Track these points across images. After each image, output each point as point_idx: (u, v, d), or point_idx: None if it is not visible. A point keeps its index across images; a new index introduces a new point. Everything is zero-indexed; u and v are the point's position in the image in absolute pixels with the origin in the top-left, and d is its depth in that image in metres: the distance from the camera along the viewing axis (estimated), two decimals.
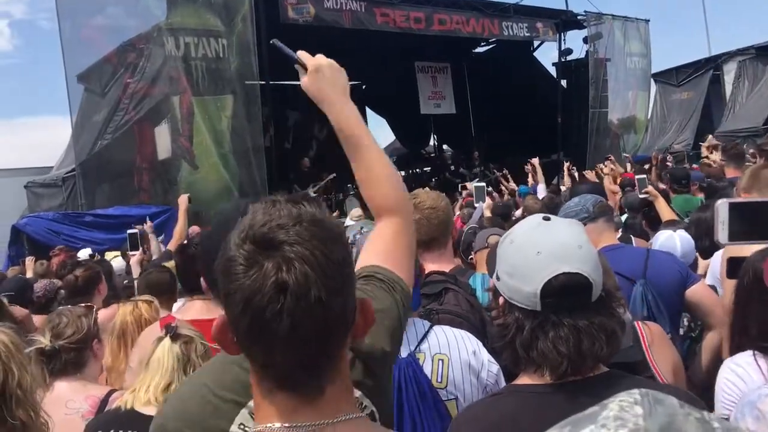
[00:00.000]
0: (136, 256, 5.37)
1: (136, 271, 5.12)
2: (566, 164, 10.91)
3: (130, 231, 5.71)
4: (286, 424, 0.97)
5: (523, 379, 1.44)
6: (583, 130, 17.31)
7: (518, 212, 6.66)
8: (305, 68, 1.53)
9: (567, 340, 1.33)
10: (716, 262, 3.65)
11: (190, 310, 2.74)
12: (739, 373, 1.91)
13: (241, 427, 1.21)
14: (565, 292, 1.34)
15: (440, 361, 1.97)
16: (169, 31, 11.19)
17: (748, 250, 2.32)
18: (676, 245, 3.54)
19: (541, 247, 1.38)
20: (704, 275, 3.58)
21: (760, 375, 1.89)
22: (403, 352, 1.97)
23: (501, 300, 1.45)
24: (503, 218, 5.53)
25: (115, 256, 7.12)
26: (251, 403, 1.15)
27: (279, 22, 11.97)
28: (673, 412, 0.61)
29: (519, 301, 1.39)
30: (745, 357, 1.92)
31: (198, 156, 11.69)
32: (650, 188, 4.63)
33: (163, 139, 11.90)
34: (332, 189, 16.24)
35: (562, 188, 10.32)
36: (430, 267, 2.59)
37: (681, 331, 3.24)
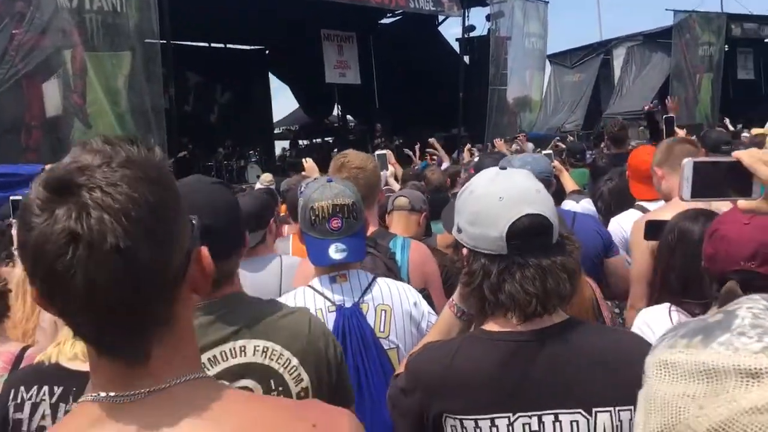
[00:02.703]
0: None
1: None
2: (468, 145, 11.56)
3: (13, 198, 5.05)
4: (112, 394, 0.86)
5: (491, 326, 1.46)
6: (483, 106, 17.76)
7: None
8: None
9: (534, 280, 1.38)
10: (613, 229, 3.93)
11: None
12: (649, 322, 2.07)
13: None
14: (529, 233, 1.40)
15: (383, 312, 2.02)
16: None
17: (662, 214, 2.51)
18: None
19: (503, 193, 1.43)
20: None
21: (669, 325, 2.05)
22: (348, 303, 2.02)
23: (464, 251, 1.48)
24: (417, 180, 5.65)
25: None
26: None
27: None
28: None
29: (484, 248, 1.43)
30: (661, 308, 2.09)
31: (92, 114, 11.16)
32: (556, 163, 4.84)
33: (52, 95, 11.23)
34: (233, 156, 15.90)
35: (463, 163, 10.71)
36: None
37: None
